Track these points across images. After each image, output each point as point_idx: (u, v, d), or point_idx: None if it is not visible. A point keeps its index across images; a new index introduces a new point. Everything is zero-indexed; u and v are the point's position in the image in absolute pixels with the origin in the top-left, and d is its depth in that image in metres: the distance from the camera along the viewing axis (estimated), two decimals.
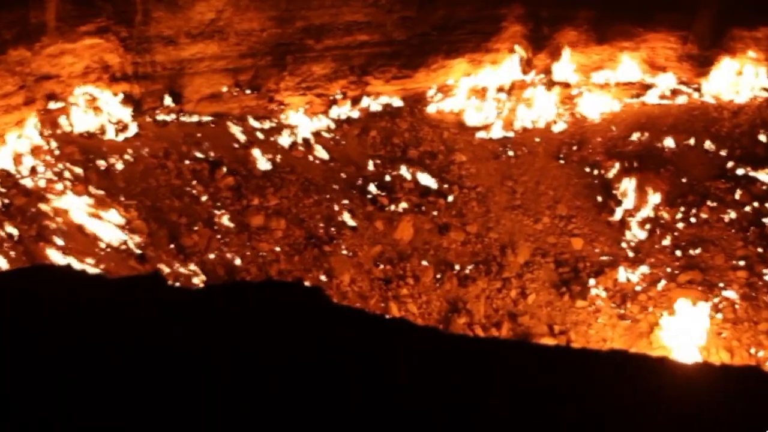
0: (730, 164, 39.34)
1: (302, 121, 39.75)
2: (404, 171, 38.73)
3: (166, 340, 7.60)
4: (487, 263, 36.31)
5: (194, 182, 35.05)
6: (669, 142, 40.46)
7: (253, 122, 38.85)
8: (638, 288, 36.12)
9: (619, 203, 38.80)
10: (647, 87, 43.48)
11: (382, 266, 34.98)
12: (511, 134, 41.45)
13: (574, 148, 41.00)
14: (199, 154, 36.39)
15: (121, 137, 35.76)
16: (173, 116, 37.58)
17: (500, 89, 43.33)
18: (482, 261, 36.35)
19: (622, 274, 36.53)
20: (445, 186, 38.55)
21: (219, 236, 33.38)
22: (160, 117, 37.27)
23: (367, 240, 35.51)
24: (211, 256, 32.52)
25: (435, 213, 37.36)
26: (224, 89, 38.66)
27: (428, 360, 8.41)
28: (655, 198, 38.53)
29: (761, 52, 41.83)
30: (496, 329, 34.47)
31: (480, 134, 41.22)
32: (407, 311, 33.71)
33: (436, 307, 34.58)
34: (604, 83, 43.66)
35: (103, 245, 30.66)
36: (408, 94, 41.74)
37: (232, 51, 38.51)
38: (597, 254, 37.33)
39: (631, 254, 37.26)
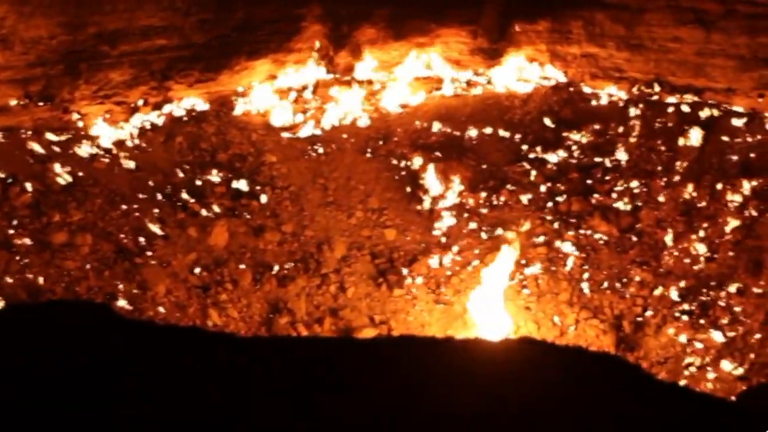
0: (524, 149, 42.09)
1: (103, 131, 38.07)
2: (214, 175, 38.20)
3: None
4: (304, 261, 36.62)
5: None
6: (468, 132, 42.64)
7: (48, 135, 36.68)
8: (450, 272, 37.85)
9: (426, 192, 40.44)
10: (444, 80, 45.59)
11: (198, 273, 34.33)
12: (319, 132, 41.98)
13: (381, 142, 42.21)
14: None
15: None
16: None
17: (305, 88, 43.80)
18: (300, 259, 36.62)
19: (435, 260, 38.11)
20: (257, 188, 38.42)
21: (18, 258, 31.28)
22: None
23: (181, 248, 34.68)
24: (10, 279, 30.44)
25: (249, 215, 37.14)
26: (13, 102, 36.23)
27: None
28: (459, 185, 40.50)
29: (543, 43, 45.12)
30: (319, 325, 34.86)
31: (288, 134, 41.43)
32: (228, 317, 33.34)
33: (257, 310, 34.44)
34: (405, 78, 45.27)
35: None
36: (213, 98, 41.15)
37: (19, 60, 36.14)
38: (410, 243, 38.68)
39: (441, 240, 38.95)
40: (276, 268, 35.95)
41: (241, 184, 38.27)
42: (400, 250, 38.32)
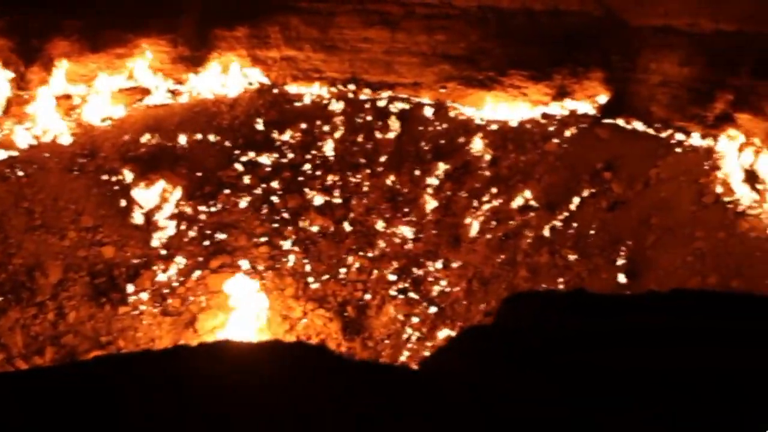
0: (236, 153, 42.85)
1: None
2: None
3: None
4: (15, 291, 34.29)
5: None
6: (179, 140, 42.45)
7: None
8: (175, 283, 37.63)
9: (142, 205, 39.69)
10: (149, 90, 44.87)
11: None
12: (16, 153, 39.32)
13: (88, 158, 40.58)
14: None
15: None
16: None
17: None
18: (10, 290, 34.22)
19: (158, 272, 37.65)
20: None
21: None
22: None
23: None
24: None
25: None
26: None
27: None
28: (175, 194, 40.28)
29: (243, 49, 46.14)
30: (40, 357, 32.99)
31: None
32: None
33: None
34: (107, 90, 43.84)
35: None
36: None
37: None
38: (130, 258, 37.79)
39: (162, 252, 38.53)
40: None
41: None
42: (120, 266, 37.32)
